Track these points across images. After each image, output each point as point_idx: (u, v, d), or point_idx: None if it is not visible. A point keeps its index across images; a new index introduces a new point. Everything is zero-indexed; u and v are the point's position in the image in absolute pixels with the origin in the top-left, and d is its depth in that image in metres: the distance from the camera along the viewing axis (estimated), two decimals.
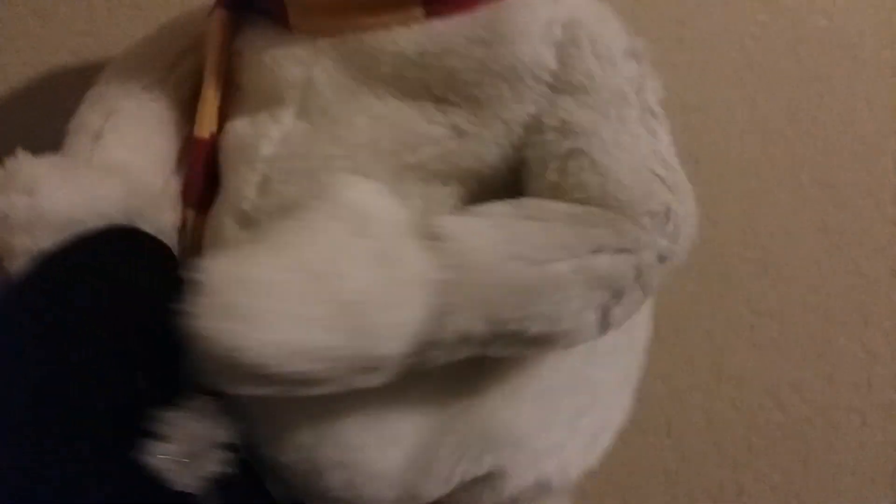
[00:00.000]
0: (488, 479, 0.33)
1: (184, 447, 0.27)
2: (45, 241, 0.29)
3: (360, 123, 0.34)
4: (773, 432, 0.69)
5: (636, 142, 0.32)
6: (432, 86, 0.34)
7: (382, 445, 0.32)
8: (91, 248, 0.30)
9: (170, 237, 0.36)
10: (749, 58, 0.60)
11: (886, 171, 0.61)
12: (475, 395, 0.33)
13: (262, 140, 0.35)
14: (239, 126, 0.37)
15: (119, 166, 0.37)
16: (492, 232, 0.31)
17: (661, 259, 0.32)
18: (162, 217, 0.36)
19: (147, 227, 0.33)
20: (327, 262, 0.28)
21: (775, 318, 0.66)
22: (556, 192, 0.32)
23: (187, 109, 0.40)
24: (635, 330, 0.38)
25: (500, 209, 0.32)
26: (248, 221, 0.35)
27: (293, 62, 0.35)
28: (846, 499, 0.70)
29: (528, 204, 0.33)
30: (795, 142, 0.62)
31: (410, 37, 0.33)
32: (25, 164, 0.33)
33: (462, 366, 0.33)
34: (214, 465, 0.28)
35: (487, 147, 0.33)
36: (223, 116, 0.39)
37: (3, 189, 0.32)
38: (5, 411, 0.26)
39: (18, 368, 0.27)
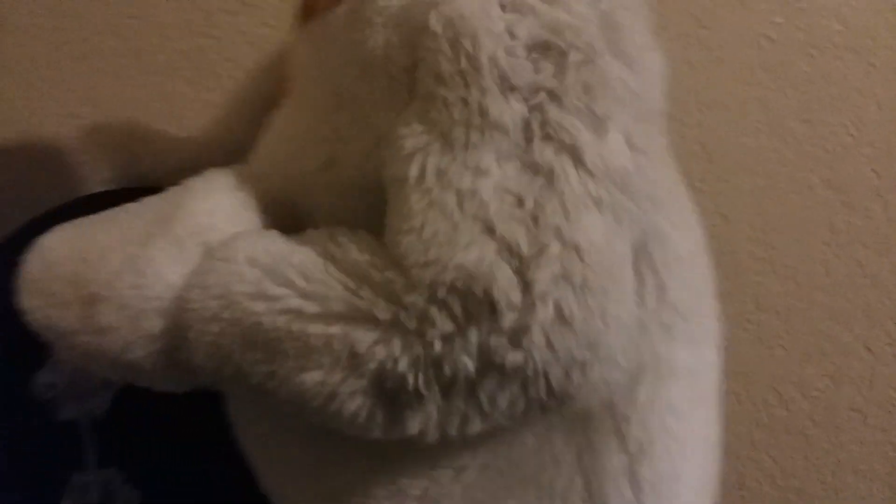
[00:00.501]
0: None
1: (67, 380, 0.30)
2: None
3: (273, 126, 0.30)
4: (775, 428, 0.69)
5: (481, 184, 0.21)
6: (335, 90, 0.26)
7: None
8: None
9: None
10: (764, 58, 0.60)
11: (895, 173, 0.62)
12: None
13: None
14: None
15: None
16: (262, 256, 0.24)
17: (442, 363, 0.21)
18: None
19: None
20: (105, 247, 0.26)
21: (781, 316, 0.66)
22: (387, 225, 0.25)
23: None
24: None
25: (307, 237, 0.26)
26: None
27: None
28: (846, 495, 0.70)
29: (330, 238, 0.25)
30: (806, 142, 0.62)
31: (339, 16, 0.26)
32: None
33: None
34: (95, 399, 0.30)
35: (359, 168, 0.25)
36: None
37: None
38: None
39: None
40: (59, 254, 0.25)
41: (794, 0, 0.60)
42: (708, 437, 0.27)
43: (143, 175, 0.37)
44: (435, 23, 0.21)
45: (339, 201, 0.25)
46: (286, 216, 0.27)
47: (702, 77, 0.61)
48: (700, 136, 0.62)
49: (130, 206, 0.26)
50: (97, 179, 0.38)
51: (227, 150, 0.36)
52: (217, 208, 0.26)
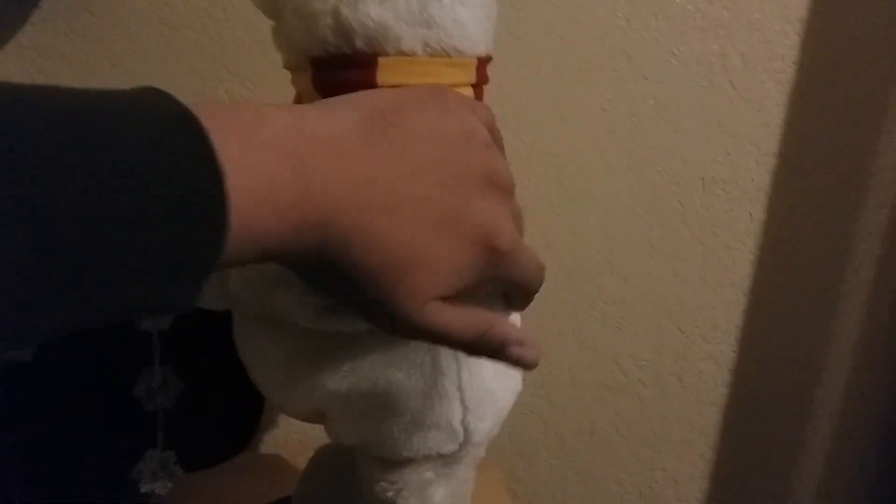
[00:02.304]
0: None
1: None
2: None
3: None
4: (617, 390, 0.84)
5: None
6: None
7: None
8: None
9: None
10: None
11: (693, 204, 0.80)
12: None
13: None
14: None
15: None
16: None
17: None
18: None
19: None
20: None
21: (618, 305, 0.81)
22: None
23: None
24: None
25: None
26: None
27: None
28: (671, 442, 0.86)
29: None
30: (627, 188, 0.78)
31: None
32: None
33: None
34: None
35: None
36: None
37: None
38: None
39: None
40: None
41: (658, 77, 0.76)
42: None
43: None
44: None
45: None
46: None
47: (557, 136, 0.77)
48: (557, 175, 0.77)
49: None
50: None
51: None
52: None
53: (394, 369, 0.42)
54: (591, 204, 0.79)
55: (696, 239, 0.80)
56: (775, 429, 0.84)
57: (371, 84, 0.41)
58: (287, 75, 0.47)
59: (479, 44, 0.45)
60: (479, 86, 0.46)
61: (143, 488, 0.47)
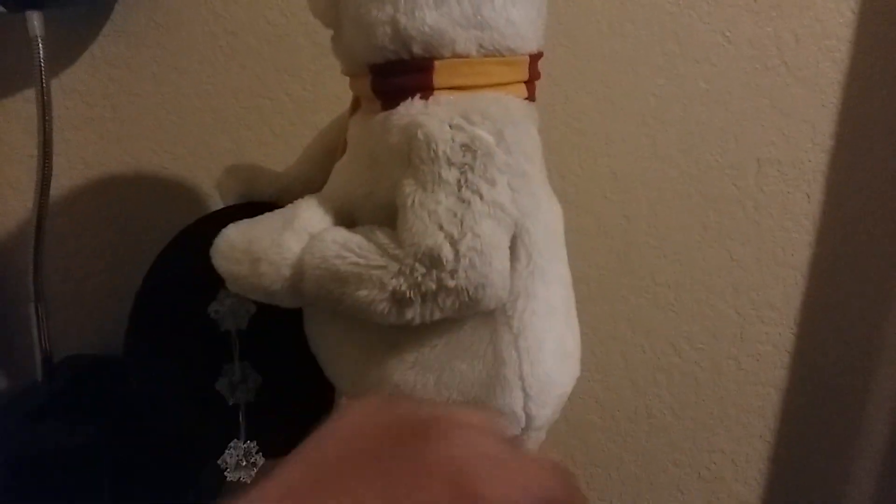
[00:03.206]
0: None
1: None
2: None
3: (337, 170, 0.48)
4: (672, 372, 0.84)
5: (437, 207, 0.38)
6: (371, 155, 0.44)
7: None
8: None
9: None
10: (652, 109, 0.76)
11: (749, 187, 0.79)
12: None
13: None
14: None
15: None
16: (338, 238, 0.41)
17: (421, 286, 0.39)
18: None
19: None
20: (260, 235, 0.43)
21: (672, 288, 0.81)
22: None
23: None
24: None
25: (358, 230, 0.42)
26: None
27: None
28: (728, 423, 0.86)
29: (370, 230, 0.42)
30: (683, 165, 0.77)
31: (376, 120, 0.43)
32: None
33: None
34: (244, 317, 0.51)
35: (386, 198, 0.42)
36: None
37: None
38: None
39: None
40: (235, 238, 0.43)
41: (669, 69, 0.75)
42: (560, 332, 0.46)
43: (256, 196, 0.55)
44: (419, 133, 0.40)
45: (375, 213, 0.43)
46: (347, 221, 0.44)
47: (608, 122, 0.77)
48: (608, 162, 0.78)
49: (267, 215, 0.45)
50: (230, 199, 0.56)
51: (304, 180, 0.54)
52: (313, 215, 0.44)
53: (458, 360, 0.44)
54: (642, 188, 0.80)
55: (751, 221, 0.79)
56: (834, 410, 0.84)
57: (428, 85, 0.43)
58: (344, 77, 0.49)
59: (531, 41, 0.46)
60: (531, 81, 0.48)
61: (230, 477, 0.50)
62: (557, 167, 0.43)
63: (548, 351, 0.45)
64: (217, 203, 0.71)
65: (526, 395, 0.45)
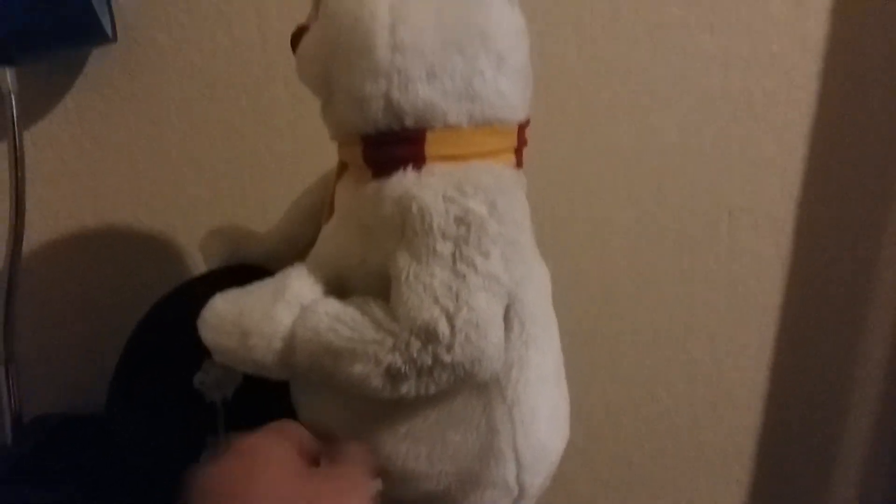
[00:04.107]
0: None
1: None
2: None
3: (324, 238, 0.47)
4: (651, 418, 0.85)
5: (433, 281, 0.38)
6: (361, 224, 0.44)
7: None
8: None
9: None
10: (652, 146, 0.78)
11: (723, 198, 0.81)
12: None
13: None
14: None
15: None
16: (331, 311, 0.41)
17: (416, 361, 0.38)
18: None
19: None
20: (250, 307, 0.42)
21: (650, 335, 0.82)
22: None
23: None
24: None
25: (351, 301, 0.42)
26: None
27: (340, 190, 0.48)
28: (706, 469, 0.87)
29: (364, 302, 0.41)
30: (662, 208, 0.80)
31: (367, 190, 0.42)
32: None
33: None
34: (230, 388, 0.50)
35: (379, 267, 0.42)
36: None
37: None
38: None
39: None
40: (223, 310, 0.42)
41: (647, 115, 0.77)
42: (553, 400, 0.46)
43: (241, 258, 0.54)
44: (413, 206, 0.39)
45: (366, 281, 0.43)
46: (338, 289, 0.44)
47: (584, 172, 0.79)
48: (585, 211, 0.79)
49: (256, 285, 0.44)
50: (214, 261, 0.55)
51: (289, 241, 0.54)
52: (304, 285, 0.43)
53: (451, 431, 0.44)
54: (619, 236, 0.81)
55: (724, 268, 0.81)
56: (809, 454, 0.84)
57: (420, 156, 0.43)
58: (324, 130, 0.48)
59: (519, 111, 0.47)
60: (519, 149, 0.48)
61: None
62: (534, 216, 0.43)
63: (541, 419, 0.45)
64: (193, 257, 0.71)
65: (519, 466, 0.44)
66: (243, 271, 0.48)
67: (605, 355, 0.82)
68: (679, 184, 0.79)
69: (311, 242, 0.48)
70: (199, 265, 0.72)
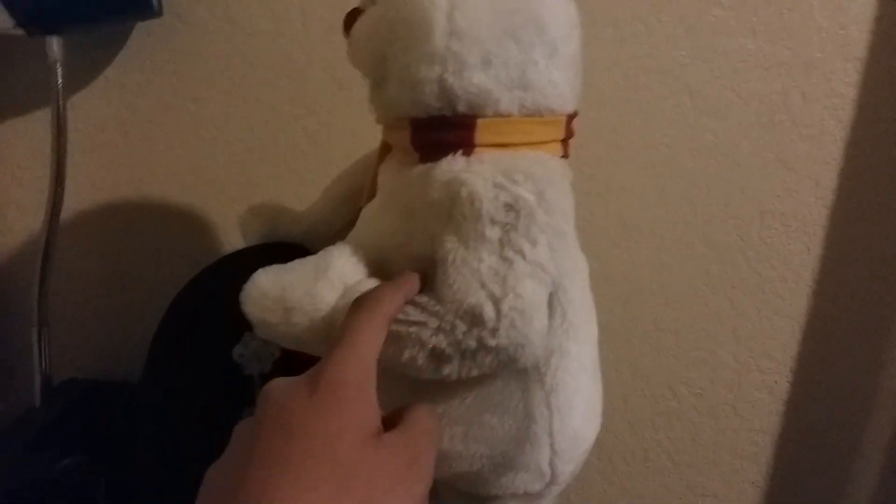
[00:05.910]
0: None
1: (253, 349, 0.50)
2: None
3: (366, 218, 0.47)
4: (670, 416, 0.85)
5: (480, 266, 0.38)
6: (406, 207, 0.44)
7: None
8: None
9: None
10: (662, 159, 0.78)
11: (752, 237, 0.81)
12: None
13: None
14: None
15: None
16: None
17: (461, 344, 0.38)
18: None
19: None
20: (293, 283, 0.42)
21: (673, 334, 0.82)
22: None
23: None
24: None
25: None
26: None
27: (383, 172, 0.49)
28: (722, 469, 0.87)
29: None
30: (688, 215, 0.79)
31: (413, 173, 0.43)
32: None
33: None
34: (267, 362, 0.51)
35: (421, 250, 0.42)
36: None
37: None
38: None
39: None
40: (266, 285, 0.42)
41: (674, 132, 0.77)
42: (589, 391, 0.45)
43: (279, 236, 0.54)
44: (462, 191, 0.39)
45: (408, 264, 0.42)
46: (378, 270, 0.44)
47: (617, 170, 0.79)
48: (617, 209, 0.79)
49: (298, 261, 0.44)
50: (253, 238, 0.55)
51: (326, 221, 0.54)
52: (347, 265, 0.43)
53: (488, 414, 0.44)
54: (648, 235, 0.81)
55: (753, 271, 0.81)
56: (827, 460, 0.84)
57: (470, 142, 0.43)
58: (362, 114, 0.48)
59: (569, 102, 0.47)
60: (566, 140, 0.48)
61: None
62: None
63: (577, 408, 0.45)
64: (227, 233, 0.71)
65: (553, 452, 0.44)
66: (280, 248, 0.48)
67: (627, 351, 0.82)
68: (712, 184, 0.79)
69: (348, 223, 0.48)
70: (230, 242, 0.73)
